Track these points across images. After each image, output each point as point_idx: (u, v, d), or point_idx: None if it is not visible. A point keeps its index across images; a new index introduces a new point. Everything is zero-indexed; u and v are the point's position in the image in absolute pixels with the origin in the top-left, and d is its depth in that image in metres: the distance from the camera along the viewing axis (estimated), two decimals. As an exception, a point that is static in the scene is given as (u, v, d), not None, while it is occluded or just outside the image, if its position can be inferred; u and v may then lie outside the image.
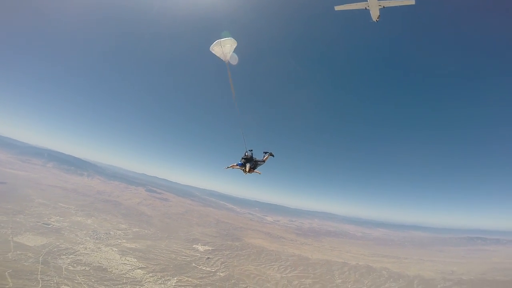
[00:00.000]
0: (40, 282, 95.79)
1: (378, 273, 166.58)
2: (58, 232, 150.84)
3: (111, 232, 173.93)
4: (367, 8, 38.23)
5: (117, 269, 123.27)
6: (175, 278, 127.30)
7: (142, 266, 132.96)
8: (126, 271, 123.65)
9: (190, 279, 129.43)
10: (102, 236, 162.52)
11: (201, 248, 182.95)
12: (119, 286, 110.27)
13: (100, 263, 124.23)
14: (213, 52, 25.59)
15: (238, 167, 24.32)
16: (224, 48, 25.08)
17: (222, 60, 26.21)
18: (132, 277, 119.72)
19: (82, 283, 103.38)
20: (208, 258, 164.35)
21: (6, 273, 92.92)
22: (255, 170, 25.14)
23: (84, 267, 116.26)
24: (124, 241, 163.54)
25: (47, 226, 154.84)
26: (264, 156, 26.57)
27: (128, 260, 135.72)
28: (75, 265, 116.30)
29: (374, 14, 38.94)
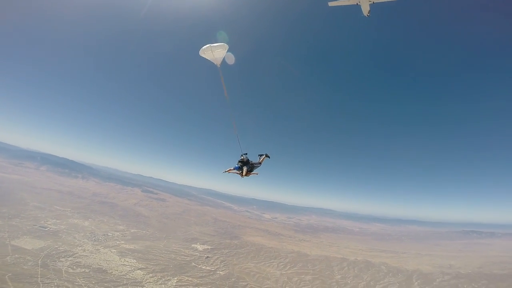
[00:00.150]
0: (41, 285, 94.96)
1: (377, 268, 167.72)
2: (56, 234, 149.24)
3: (109, 234, 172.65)
4: (359, 3, 39.33)
5: (117, 270, 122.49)
6: (176, 278, 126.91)
7: (142, 266, 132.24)
8: (126, 272, 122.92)
9: (190, 279, 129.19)
10: (100, 238, 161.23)
11: (200, 247, 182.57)
12: (120, 287, 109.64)
13: (99, 265, 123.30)
14: (204, 56, 25.00)
15: (235, 171, 24.56)
16: (215, 53, 24.54)
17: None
18: (132, 278, 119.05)
19: (83, 285, 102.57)
20: (208, 257, 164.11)
21: (6, 276, 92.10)
22: (252, 172, 25.39)
23: (84, 269, 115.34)
24: (122, 242, 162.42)
25: (44, 229, 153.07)
26: (260, 159, 26.84)
27: (127, 261, 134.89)
28: (74, 267, 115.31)
29: (365, 9, 39.97)
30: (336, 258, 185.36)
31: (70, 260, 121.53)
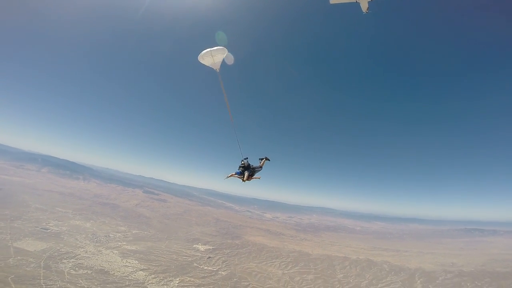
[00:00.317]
0: (44, 286, 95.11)
1: (379, 267, 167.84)
2: (58, 236, 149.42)
3: (110, 235, 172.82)
4: (358, 1, 39.90)
5: (119, 271, 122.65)
6: (178, 279, 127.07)
7: (144, 267, 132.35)
8: (128, 273, 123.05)
9: (192, 279, 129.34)
10: (102, 239, 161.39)
11: (201, 247, 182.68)
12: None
13: (102, 266, 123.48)
14: (203, 62, 24.73)
15: (236, 176, 24.67)
16: (215, 57, 24.28)
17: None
18: (134, 279, 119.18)
19: (86, 286, 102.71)
20: (209, 257, 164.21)
21: (9, 278, 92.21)
22: (254, 177, 25.51)
23: (86, 271, 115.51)
24: (124, 243, 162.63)
25: (46, 230, 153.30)
26: (260, 162, 26.96)
27: (129, 262, 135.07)
28: (77, 268, 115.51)
29: (364, 6, 40.56)
30: (337, 257, 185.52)
31: (73, 261, 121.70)
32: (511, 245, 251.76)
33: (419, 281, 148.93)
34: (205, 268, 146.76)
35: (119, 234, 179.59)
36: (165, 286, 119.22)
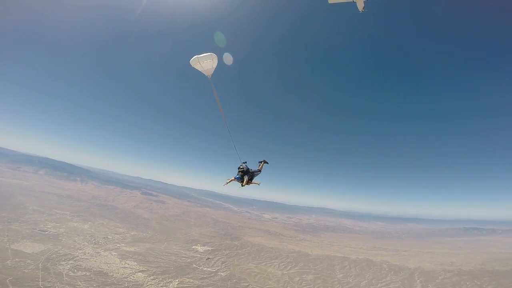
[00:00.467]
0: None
1: (379, 266, 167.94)
2: (56, 238, 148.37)
3: (109, 237, 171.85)
4: (354, 0, 40.62)
5: (118, 273, 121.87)
6: (177, 280, 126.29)
7: (143, 269, 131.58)
8: (127, 274, 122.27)
9: (191, 280, 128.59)
10: (100, 241, 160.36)
11: (200, 248, 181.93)
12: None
13: (100, 268, 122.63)
14: (195, 67, 23.80)
15: (236, 180, 24.30)
16: (204, 64, 23.31)
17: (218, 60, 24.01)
18: (133, 280, 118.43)
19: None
20: (208, 258, 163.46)
21: (7, 280, 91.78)
22: (253, 181, 25.22)
23: (84, 272, 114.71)
24: (122, 245, 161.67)
25: (43, 232, 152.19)
26: (259, 165, 26.70)
27: (128, 264, 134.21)
28: (75, 270, 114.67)
29: (360, 5, 41.46)
30: (337, 257, 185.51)
31: (71, 263, 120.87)
32: (510, 244, 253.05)
33: (418, 280, 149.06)
34: (204, 269, 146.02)
35: (118, 235, 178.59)
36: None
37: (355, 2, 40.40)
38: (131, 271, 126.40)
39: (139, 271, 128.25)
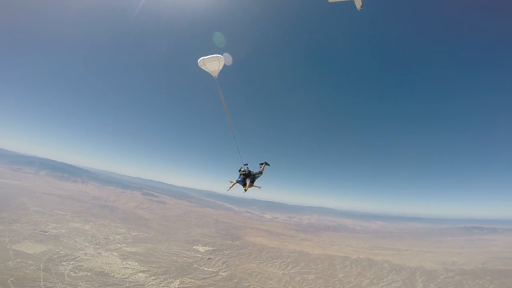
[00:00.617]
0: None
1: (380, 266, 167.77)
2: (57, 239, 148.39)
3: (110, 237, 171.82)
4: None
5: (119, 273, 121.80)
6: (178, 280, 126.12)
7: (144, 269, 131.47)
8: (128, 275, 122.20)
9: (193, 280, 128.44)
10: (102, 241, 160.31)
11: (201, 249, 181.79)
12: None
13: (101, 268, 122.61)
14: (202, 68, 24.38)
15: (238, 183, 24.48)
16: (209, 66, 23.82)
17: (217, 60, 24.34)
18: (135, 280, 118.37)
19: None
20: (209, 258, 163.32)
21: (8, 281, 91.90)
22: (254, 185, 25.25)
23: (86, 273, 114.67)
24: (124, 245, 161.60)
25: (44, 233, 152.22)
26: (260, 167, 26.69)
27: (129, 264, 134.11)
28: (77, 271, 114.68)
29: (358, 3, 42.29)
30: (338, 256, 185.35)
31: (72, 264, 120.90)
32: (511, 243, 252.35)
33: (420, 280, 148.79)
34: (206, 269, 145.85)
35: (119, 236, 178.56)
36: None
37: (353, 0, 40.89)
38: (132, 272, 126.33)
39: (140, 272, 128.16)
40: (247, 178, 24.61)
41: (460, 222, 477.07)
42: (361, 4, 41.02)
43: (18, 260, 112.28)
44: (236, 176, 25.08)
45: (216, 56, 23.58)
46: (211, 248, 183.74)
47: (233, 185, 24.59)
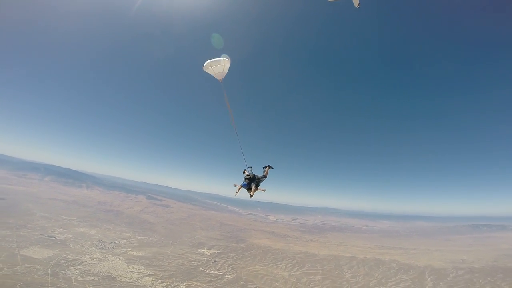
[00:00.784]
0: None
1: (388, 266, 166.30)
2: (63, 243, 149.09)
3: (116, 241, 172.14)
4: None
5: (126, 277, 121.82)
6: (184, 284, 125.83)
7: (150, 273, 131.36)
8: (134, 279, 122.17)
9: (199, 284, 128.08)
10: (108, 246, 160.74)
11: (206, 251, 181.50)
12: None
13: (108, 273, 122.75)
14: (207, 72, 24.51)
15: (243, 188, 24.31)
16: (216, 68, 23.91)
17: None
18: (141, 284, 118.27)
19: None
20: (215, 261, 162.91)
21: (17, 286, 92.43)
22: (259, 188, 24.97)
23: (93, 277, 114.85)
24: (129, 249, 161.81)
25: (51, 238, 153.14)
26: (264, 171, 26.48)
27: (135, 268, 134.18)
28: (84, 275, 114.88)
29: (355, 1, 43.48)
30: (344, 257, 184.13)
31: (79, 268, 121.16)
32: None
33: (429, 278, 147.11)
34: (211, 272, 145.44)
35: (124, 240, 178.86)
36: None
37: None
38: (138, 275, 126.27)
39: (147, 275, 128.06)
40: (252, 182, 24.37)
41: (467, 219, 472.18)
42: (358, 2, 42.88)
43: (26, 265, 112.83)
44: (240, 179, 24.91)
45: (222, 59, 23.73)
46: (216, 251, 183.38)
47: (239, 190, 24.48)
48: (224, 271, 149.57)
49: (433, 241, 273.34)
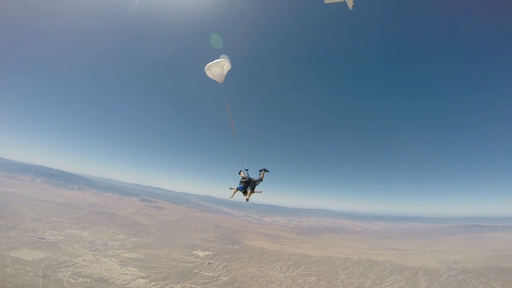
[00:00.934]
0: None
1: (382, 266, 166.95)
2: (55, 245, 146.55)
3: (108, 243, 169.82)
4: None
5: (119, 279, 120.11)
6: (179, 286, 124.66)
7: (144, 275, 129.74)
8: (128, 281, 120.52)
9: (193, 286, 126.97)
10: (100, 248, 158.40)
11: (201, 253, 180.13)
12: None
13: (101, 275, 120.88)
14: (207, 75, 24.16)
15: (239, 191, 24.10)
16: (213, 70, 23.51)
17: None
18: (135, 286, 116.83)
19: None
20: (210, 263, 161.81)
21: (7, 287, 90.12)
22: (255, 190, 24.89)
23: (85, 279, 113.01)
24: (122, 251, 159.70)
25: (42, 240, 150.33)
26: (260, 174, 26.34)
27: (129, 270, 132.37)
28: (76, 277, 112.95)
29: (349, 3, 44.29)
30: (339, 258, 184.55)
31: (71, 270, 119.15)
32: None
33: (423, 279, 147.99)
34: (206, 274, 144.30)
35: (117, 242, 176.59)
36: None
37: (346, 0, 43.69)
38: (132, 278, 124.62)
39: (140, 277, 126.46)
40: (248, 185, 24.13)
41: (460, 220, 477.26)
42: (352, 4, 43.69)
43: (16, 267, 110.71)
44: (235, 180, 24.68)
45: (221, 60, 23.27)
46: (211, 253, 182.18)
47: (234, 193, 24.26)
48: (219, 273, 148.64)
49: (426, 242, 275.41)
